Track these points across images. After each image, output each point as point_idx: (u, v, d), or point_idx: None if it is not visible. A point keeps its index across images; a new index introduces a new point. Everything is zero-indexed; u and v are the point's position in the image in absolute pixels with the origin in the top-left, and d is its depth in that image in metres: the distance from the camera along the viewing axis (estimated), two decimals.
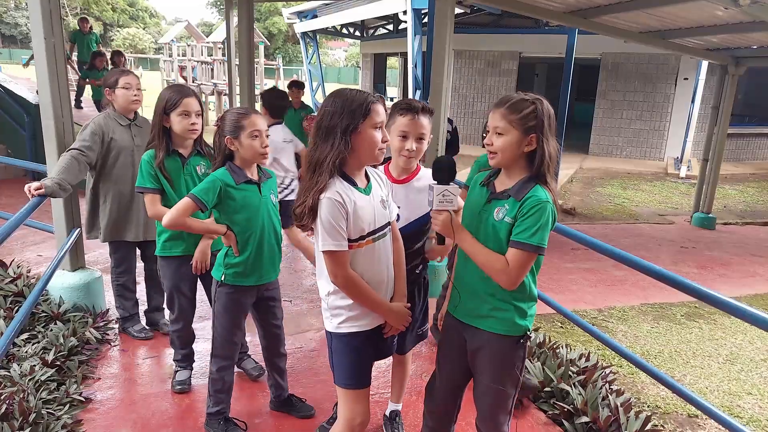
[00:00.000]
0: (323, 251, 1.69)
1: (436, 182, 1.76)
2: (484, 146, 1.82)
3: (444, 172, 1.77)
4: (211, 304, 2.44)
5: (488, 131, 1.76)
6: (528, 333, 1.83)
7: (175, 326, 2.77)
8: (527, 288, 1.80)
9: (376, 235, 1.78)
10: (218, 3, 56.02)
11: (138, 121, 3.07)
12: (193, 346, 2.89)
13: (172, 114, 2.50)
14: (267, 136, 2.26)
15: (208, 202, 2.18)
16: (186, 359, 2.85)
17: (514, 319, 1.78)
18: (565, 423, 2.66)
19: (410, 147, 2.08)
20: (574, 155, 13.42)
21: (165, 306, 2.86)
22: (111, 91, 2.98)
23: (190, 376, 2.84)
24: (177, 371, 2.85)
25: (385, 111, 1.83)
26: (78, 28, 10.42)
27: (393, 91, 22.40)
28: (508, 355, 1.82)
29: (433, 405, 2.07)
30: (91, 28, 10.58)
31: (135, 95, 2.96)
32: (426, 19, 11.56)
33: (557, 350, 3.23)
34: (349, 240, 1.70)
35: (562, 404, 2.74)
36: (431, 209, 1.77)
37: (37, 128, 5.76)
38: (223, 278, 2.30)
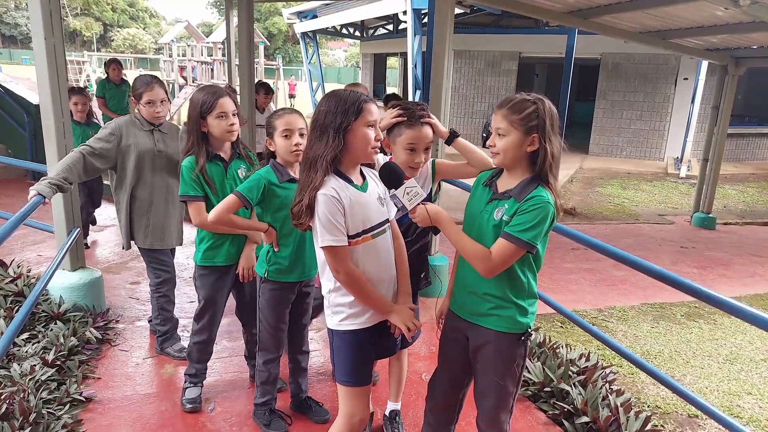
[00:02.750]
0: (323, 247, 1.71)
1: (391, 189, 1.77)
2: (484, 146, 1.82)
3: (391, 178, 1.78)
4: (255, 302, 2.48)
5: (490, 132, 1.77)
6: (529, 330, 1.84)
7: (199, 337, 2.64)
8: (526, 285, 1.80)
9: (375, 231, 1.79)
10: (218, 3, 56.01)
11: (162, 127, 2.97)
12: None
13: (208, 117, 2.40)
14: (301, 135, 2.25)
15: (253, 200, 2.21)
16: (199, 375, 2.72)
17: (516, 317, 1.79)
18: (565, 423, 2.66)
19: (420, 160, 2.08)
20: (574, 155, 13.42)
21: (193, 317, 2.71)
22: (136, 102, 2.92)
23: (201, 394, 2.70)
24: (187, 387, 2.69)
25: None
26: (107, 75, 7.08)
27: (393, 91, 22.39)
28: (510, 353, 1.82)
29: (434, 402, 2.08)
30: (124, 77, 7.23)
31: (158, 111, 2.88)
32: (426, 19, 11.56)
33: (557, 350, 3.23)
34: (347, 236, 1.71)
35: (562, 404, 2.74)
36: (407, 212, 1.78)
37: (37, 128, 5.77)
38: (266, 274, 2.33)
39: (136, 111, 2.96)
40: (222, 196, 2.43)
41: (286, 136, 2.23)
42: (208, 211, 2.40)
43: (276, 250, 2.30)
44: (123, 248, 3.04)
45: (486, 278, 1.74)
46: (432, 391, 2.09)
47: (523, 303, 1.80)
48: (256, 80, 6.22)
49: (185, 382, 2.72)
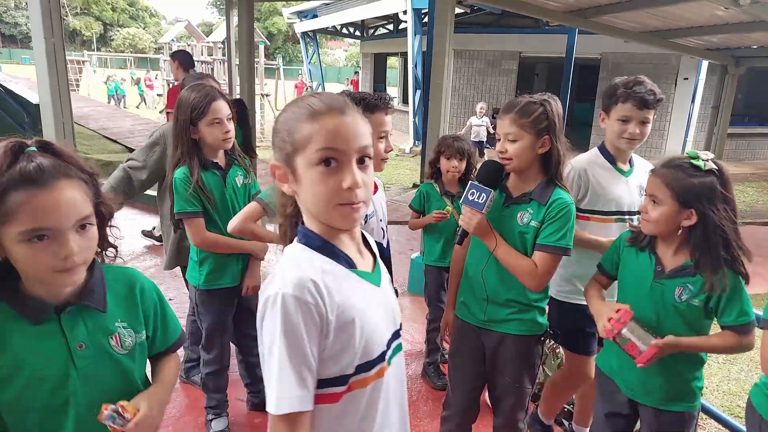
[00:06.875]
0: None
1: (479, 182, 1.72)
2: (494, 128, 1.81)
3: (491, 176, 1.75)
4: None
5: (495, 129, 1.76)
6: (548, 330, 1.85)
7: (212, 367, 2.41)
8: (547, 287, 1.82)
9: None
10: (218, 3, 56.05)
11: None
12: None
13: (200, 123, 2.10)
14: None
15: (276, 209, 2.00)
16: (221, 405, 2.52)
17: (536, 319, 1.81)
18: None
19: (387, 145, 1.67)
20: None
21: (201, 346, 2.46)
22: None
23: (228, 425, 2.50)
24: (212, 420, 2.49)
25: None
26: None
27: (393, 91, 22.38)
28: (530, 354, 1.83)
29: (454, 415, 2.02)
30: None
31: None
32: (426, 19, 11.57)
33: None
34: None
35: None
36: (479, 209, 1.71)
37: (37, 128, 5.77)
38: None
39: None
40: (223, 209, 2.20)
41: None
42: (208, 228, 2.16)
43: None
44: (165, 269, 2.76)
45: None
46: (448, 410, 2.03)
47: (542, 304, 1.82)
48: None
49: (207, 414, 2.51)
